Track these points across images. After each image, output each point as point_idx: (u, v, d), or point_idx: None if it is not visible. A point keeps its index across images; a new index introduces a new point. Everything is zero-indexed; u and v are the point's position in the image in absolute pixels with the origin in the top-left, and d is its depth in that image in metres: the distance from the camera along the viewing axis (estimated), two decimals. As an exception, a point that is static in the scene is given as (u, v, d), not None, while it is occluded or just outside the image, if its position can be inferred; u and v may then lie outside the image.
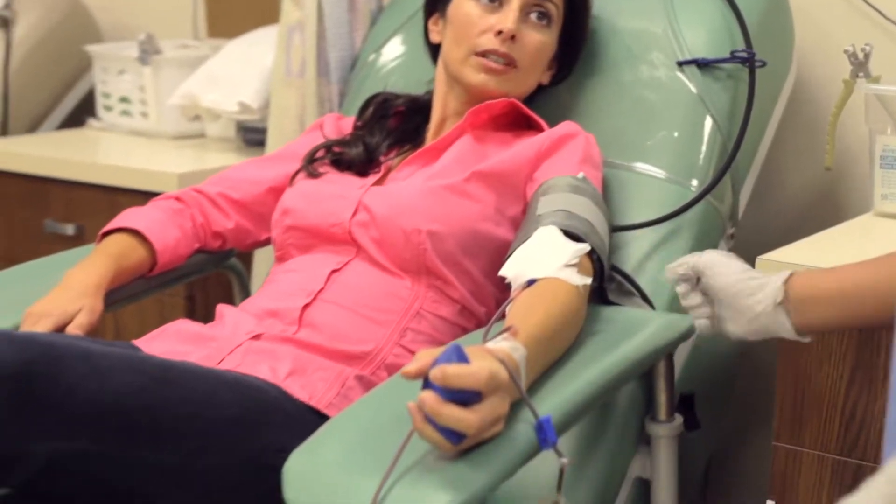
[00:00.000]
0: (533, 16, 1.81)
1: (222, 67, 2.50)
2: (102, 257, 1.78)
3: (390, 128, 1.91)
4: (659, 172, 1.84)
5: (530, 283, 1.48)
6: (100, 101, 2.86)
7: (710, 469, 2.12)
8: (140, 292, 1.88)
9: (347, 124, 1.98)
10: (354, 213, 1.74)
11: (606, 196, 1.80)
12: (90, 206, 2.45)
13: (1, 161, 2.61)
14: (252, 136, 2.52)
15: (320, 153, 1.89)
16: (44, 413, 1.29)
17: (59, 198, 2.51)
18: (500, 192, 1.73)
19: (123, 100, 2.77)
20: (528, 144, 1.77)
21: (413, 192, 1.72)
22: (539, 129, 1.83)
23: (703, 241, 1.82)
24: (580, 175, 1.69)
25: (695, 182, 1.83)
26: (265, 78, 2.39)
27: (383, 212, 1.71)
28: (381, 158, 1.85)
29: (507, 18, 1.78)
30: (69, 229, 2.48)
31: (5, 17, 3.01)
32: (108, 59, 2.81)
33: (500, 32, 1.77)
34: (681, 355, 1.78)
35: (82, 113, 3.00)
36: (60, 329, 1.64)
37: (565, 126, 1.79)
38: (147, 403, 1.36)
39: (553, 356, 1.41)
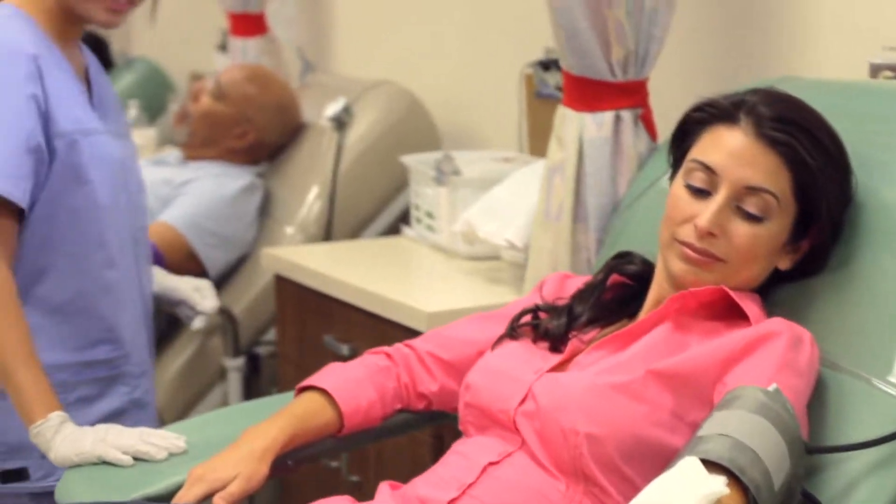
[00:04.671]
0: (745, 207, 1.61)
1: (503, 197, 2.44)
2: (285, 417, 1.77)
3: (603, 300, 1.78)
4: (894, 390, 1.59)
5: (655, 525, 1.32)
6: (413, 212, 2.87)
7: None
8: (331, 449, 1.86)
9: (573, 285, 1.86)
10: (523, 401, 1.63)
11: (819, 407, 1.59)
12: (363, 330, 2.46)
13: (297, 273, 2.67)
14: (530, 270, 2.44)
15: (526, 318, 1.79)
16: None
17: (339, 316, 2.54)
18: (681, 394, 1.56)
19: (429, 214, 2.77)
20: (723, 343, 1.58)
21: (579, 387, 1.58)
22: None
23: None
24: (772, 387, 1.49)
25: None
26: (532, 216, 2.30)
27: (546, 404, 1.59)
28: (572, 335, 1.73)
29: (707, 211, 1.61)
30: (345, 349, 2.49)
31: (342, 119, 3.09)
32: (418, 171, 2.81)
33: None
34: None
35: (404, 221, 3.03)
36: (211, 495, 1.64)
37: (769, 324, 1.59)
38: None
39: None
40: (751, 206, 1.61)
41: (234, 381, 2.98)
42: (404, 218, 3.05)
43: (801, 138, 1.61)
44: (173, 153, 3.28)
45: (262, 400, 2.01)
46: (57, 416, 1.85)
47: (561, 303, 1.80)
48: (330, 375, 1.83)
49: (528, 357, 1.72)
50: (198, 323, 2.44)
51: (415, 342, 1.90)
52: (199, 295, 2.46)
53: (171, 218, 2.94)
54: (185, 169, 3.12)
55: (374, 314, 2.41)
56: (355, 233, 3.08)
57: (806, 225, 1.65)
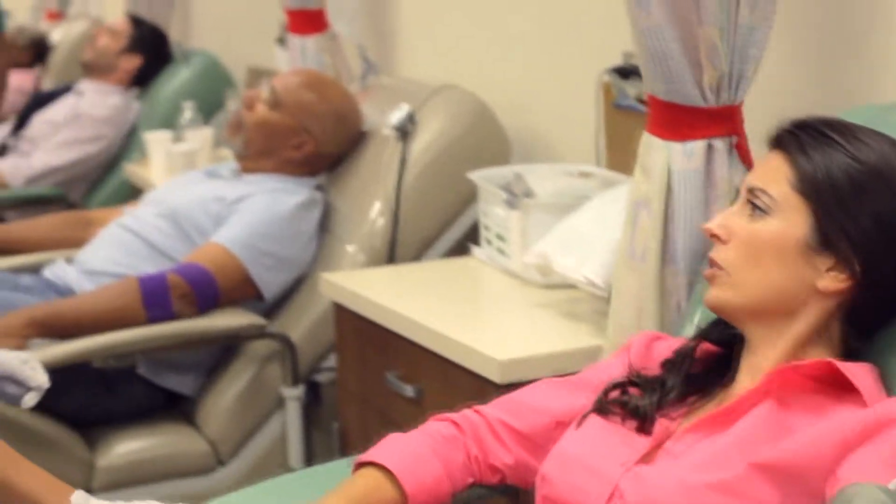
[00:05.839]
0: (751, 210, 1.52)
1: (581, 227, 2.23)
2: (341, 499, 1.57)
3: (693, 372, 1.57)
4: None
5: None
6: (482, 233, 2.67)
7: None
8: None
9: (666, 349, 1.65)
10: (609, 499, 1.43)
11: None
12: (428, 371, 2.27)
13: (356, 303, 2.48)
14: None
15: (614, 393, 1.59)
16: None
17: (402, 353, 2.34)
18: (789, 489, 1.36)
19: (499, 237, 2.57)
20: (836, 427, 1.37)
21: (671, 486, 1.38)
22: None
23: None
24: (893, 485, 1.28)
25: None
26: (614, 250, 2.09)
27: (636, 506, 1.39)
28: (662, 412, 1.52)
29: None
30: (409, 390, 2.30)
31: (406, 128, 2.89)
32: (487, 190, 2.61)
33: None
34: None
35: (472, 238, 2.82)
36: None
37: (889, 406, 1.37)
38: None
39: None
40: (751, 207, 1.51)
41: (293, 411, 2.79)
42: (473, 234, 2.84)
43: (805, 135, 1.50)
44: (228, 165, 3.09)
45: (316, 468, 1.82)
46: (78, 496, 1.67)
47: (649, 373, 1.60)
48: (390, 449, 1.63)
49: (612, 443, 1.51)
50: (30, 401, 2.06)
51: (484, 409, 1.70)
52: (28, 367, 2.09)
53: (224, 238, 2.75)
54: (240, 183, 2.93)
55: (441, 356, 2.21)
56: (420, 251, 2.87)
57: (835, 233, 1.46)
